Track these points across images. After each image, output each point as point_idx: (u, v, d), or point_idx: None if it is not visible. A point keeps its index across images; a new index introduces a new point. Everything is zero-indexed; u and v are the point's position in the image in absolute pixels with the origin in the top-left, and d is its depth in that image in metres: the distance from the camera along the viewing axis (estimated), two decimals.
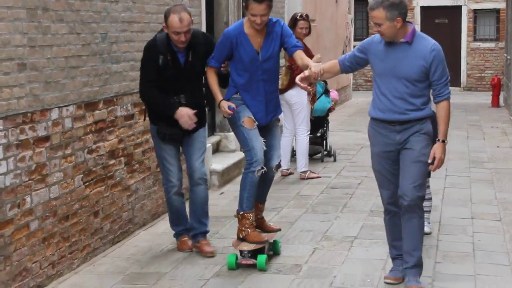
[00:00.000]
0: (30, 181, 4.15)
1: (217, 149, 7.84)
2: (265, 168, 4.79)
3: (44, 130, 4.29)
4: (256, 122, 4.82)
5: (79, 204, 4.66)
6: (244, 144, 4.82)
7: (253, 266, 4.63)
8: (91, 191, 4.85)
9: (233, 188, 6.76)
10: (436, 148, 4.22)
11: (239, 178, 8.03)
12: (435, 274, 4.58)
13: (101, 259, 4.92)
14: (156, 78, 4.81)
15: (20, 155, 4.04)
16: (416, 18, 19.40)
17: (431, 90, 4.26)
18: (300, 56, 4.80)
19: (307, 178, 7.50)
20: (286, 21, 8.25)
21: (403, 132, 4.22)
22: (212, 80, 4.85)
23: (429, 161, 4.17)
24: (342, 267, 4.71)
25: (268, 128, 4.99)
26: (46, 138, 4.31)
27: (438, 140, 4.23)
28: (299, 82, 4.44)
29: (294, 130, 7.65)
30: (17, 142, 4.01)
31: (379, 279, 4.46)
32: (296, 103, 7.42)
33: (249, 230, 4.75)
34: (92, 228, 4.87)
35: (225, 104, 4.76)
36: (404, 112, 4.19)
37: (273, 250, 4.99)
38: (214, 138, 7.82)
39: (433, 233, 5.43)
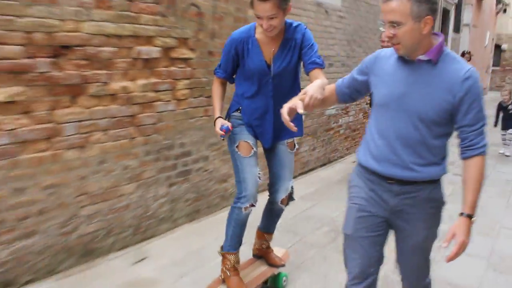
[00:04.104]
0: None
1: None
2: (255, 205, 3.39)
3: None
4: (254, 149, 3.39)
5: None
6: (235, 173, 3.40)
7: None
8: None
9: None
10: (458, 226, 2.33)
11: None
12: None
13: None
14: None
15: None
16: None
17: (459, 140, 2.38)
18: (315, 77, 3.07)
19: None
20: None
21: (403, 196, 2.43)
22: (215, 92, 3.39)
23: (444, 245, 2.29)
24: None
25: (275, 152, 3.53)
26: None
27: (462, 214, 2.33)
28: (285, 116, 2.48)
29: None
30: None
31: None
32: None
33: (229, 273, 3.53)
34: None
35: (218, 123, 3.27)
36: (410, 166, 2.37)
37: (274, 284, 3.90)
38: None
39: None
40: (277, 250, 4.12)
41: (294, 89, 3.31)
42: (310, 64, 3.21)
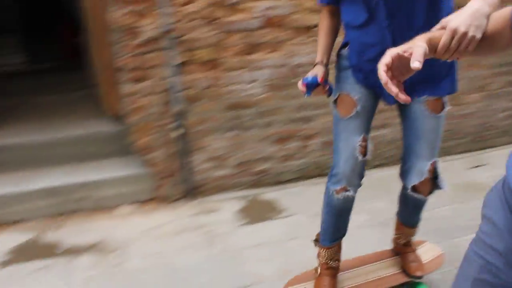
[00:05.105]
0: None
1: None
2: (350, 191, 2.33)
3: None
4: (357, 107, 2.24)
5: None
6: (333, 139, 2.34)
7: None
8: None
9: None
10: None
11: None
12: None
13: None
14: None
15: None
16: None
17: None
18: None
19: None
20: None
21: None
22: (321, 27, 2.28)
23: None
24: None
25: (408, 115, 2.27)
26: None
27: None
28: (382, 72, 1.30)
29: None
30: None
31: None
32: None
33: (319, 270, 2.59)
34: None
35: (312, 73, 2.17)
36: None
37: None
38: None
39: None
40: (428, 249, 2.84)
41: (431, 17, 1.98)
42: None
